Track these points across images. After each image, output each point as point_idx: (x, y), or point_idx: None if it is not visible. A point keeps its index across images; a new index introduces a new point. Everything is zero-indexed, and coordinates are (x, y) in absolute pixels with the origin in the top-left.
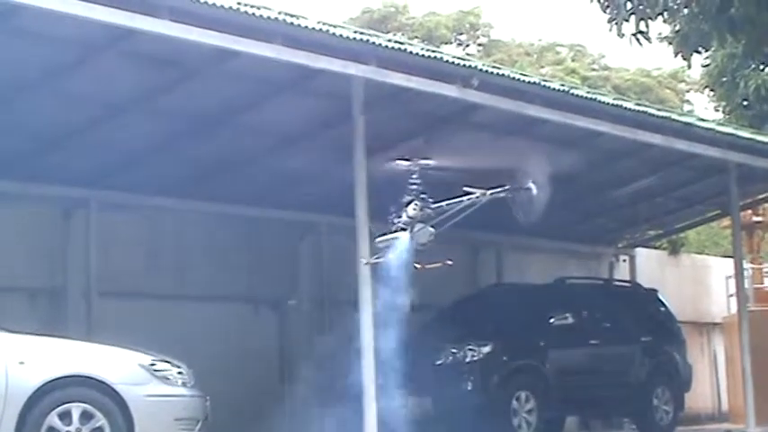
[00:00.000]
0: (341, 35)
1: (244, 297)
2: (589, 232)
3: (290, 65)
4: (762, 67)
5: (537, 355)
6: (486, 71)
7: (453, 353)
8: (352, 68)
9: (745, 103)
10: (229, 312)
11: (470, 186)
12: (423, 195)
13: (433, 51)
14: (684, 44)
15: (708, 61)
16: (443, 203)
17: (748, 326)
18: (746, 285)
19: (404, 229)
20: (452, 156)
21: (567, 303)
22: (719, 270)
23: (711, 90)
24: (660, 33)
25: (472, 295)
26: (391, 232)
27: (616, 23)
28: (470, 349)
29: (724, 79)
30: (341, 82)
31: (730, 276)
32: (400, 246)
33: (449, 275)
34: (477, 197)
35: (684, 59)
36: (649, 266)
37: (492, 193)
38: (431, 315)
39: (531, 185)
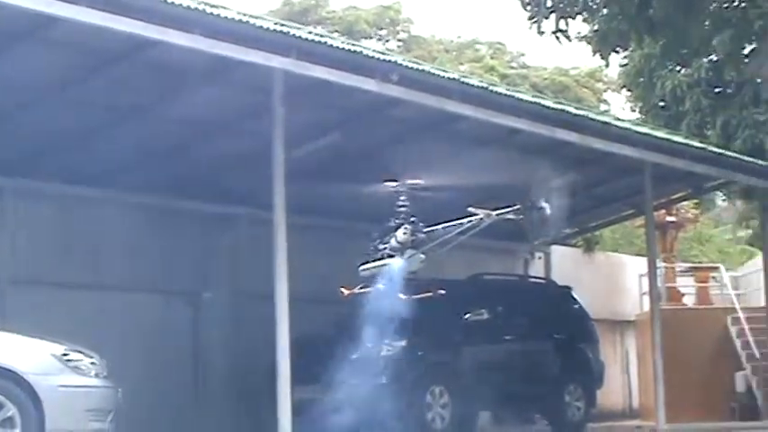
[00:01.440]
0: (261, 27)
1: (158, 288)
2: (505, 228)
3: (210, 56)
4: (678, 68)
5: (452, 351)
6: (406, 66)
7: (369, 347)
8: (273, 61)
9: (661, 103)
10: (144, 303)
11: (473, 206)
12: (413, 219)
13: (354, 45)
14: (603, 43)
15: (625, 61)
16: (439, 227)
17: (660, 324)
18: (659, 284)
19: (391, 256)
20: (445, 173)
21: (482, 299)
22: (633, 268)
23: (628, 90)
24: (579, 32)
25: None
26: (376, 259)
27: (536, 21)
28: (385, 344)
29: (641, 79)
30: (261, 74)
31: (643, 275)
32: (389, 274)
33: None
34: (482, 219)
35: (602, 59)
36: (564, 264)
37: (499, 214)
38: (346, 308)
39: (545, 205)
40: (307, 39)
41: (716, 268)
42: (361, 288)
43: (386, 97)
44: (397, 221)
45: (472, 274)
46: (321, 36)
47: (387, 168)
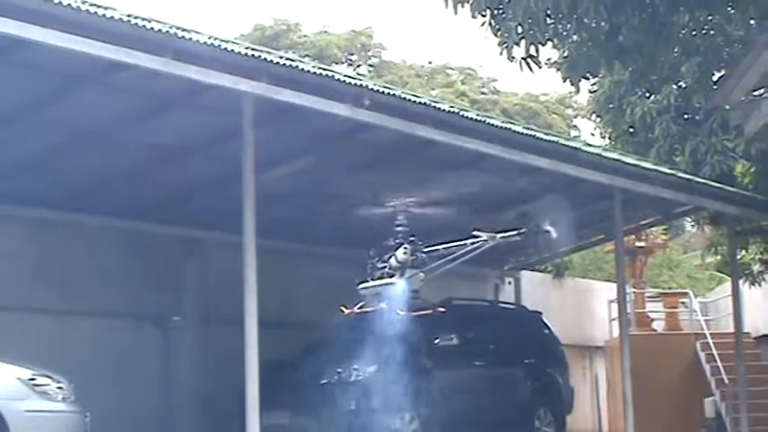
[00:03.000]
0: (232, 50)
1: (127, 313)
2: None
3: (181, 79)
4: (648, 94)
5: (422, 376)
6: (377, 91)
7: (338, 372)
8: (243, 84)
9: (630, 129)
10: (112, 328)
11: (478, 229)
12: (412, 238)
13: (325, 69)
14: (573, 70)
15: (595, 87)
16: (440, 247)
17: (629, 350)
18: (629, 310)
19: (391, 275)
20: (441, 193)
21: (453, 324)
22: (603, 294)
23: (598, 116)
24: (549, 59)
25: (360, 316)
26: (375, 278)
27: (506, 47)
28: (355, 369)
29: (611, 106)
30: (231, 97)
31: (613, 300)
32: (390, 294)
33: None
34: (486, 240)
35: (572, 85)
36: (534, 289)
37: (504, 237)
38: (317, 334)
39: (550, 228)
40: (277, 63)
41: (685, 294)
42: (360, 307)
43: (357, 122)
44: (396, 241)
45: (442, 299)
46: (292, 60)
47: (358, 193)
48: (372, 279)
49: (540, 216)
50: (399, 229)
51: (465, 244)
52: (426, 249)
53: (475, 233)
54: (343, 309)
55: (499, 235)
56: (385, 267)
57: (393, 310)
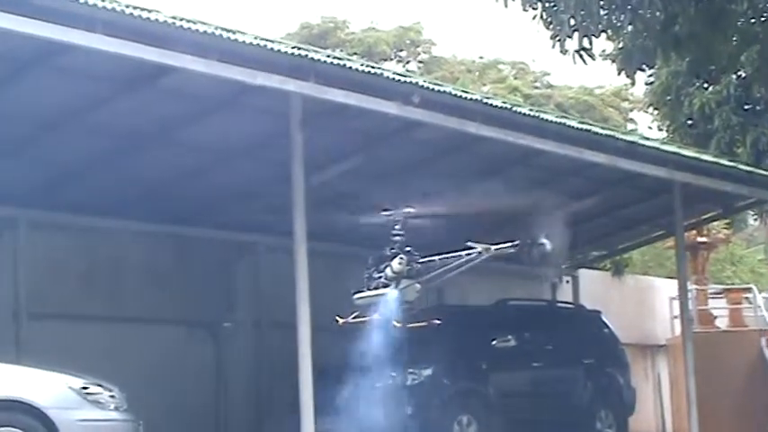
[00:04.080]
0: (279, 50)
1: (178, 319)
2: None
3: (227, 81)
4: (706, 85)
5: (479, 379)
6: (427, 88)
7: (393, 376)
8: (290, 84)
9: (689, 121)
10: (164, 335)
11: (472, 240)
12: (408, 248)
13: (373, 67)
14: (628, 61)
15: (652, 79)
16: (435, 258)
17: (692, 348)
18: (691, 307)
19: (386, 286)
20: (441, 202)
21: (509, 325)
22: (664, 291)
23: (655, 108)
24: (604, 50)
25: (412, 316)
26: (371, 288)
27: (559, 40)
28: (411, 372)
29: (668, 97)
30: (279, 98)
31: (674, 298)
32: (384, 304)
33: None
34: (480, 253)
35: (628, 77)
36: (593, 288)
37: (498, 249)
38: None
39: (545, 241)
40: (325, 61)
41: (748, 289)
42: (355, 317)
43: (407, 120)
44: (392, 251)
45: (498, 300)
46: (340, 58)
47: (410, 192)
48: (369, 289)
49: (535, 228)
50: (396, 238)
51: (459, 255)
52: (422, 260)
53: (469, 244)
54: (338, 319)
55: (493, 247)
56: (381, 277)
57: (387, 321)
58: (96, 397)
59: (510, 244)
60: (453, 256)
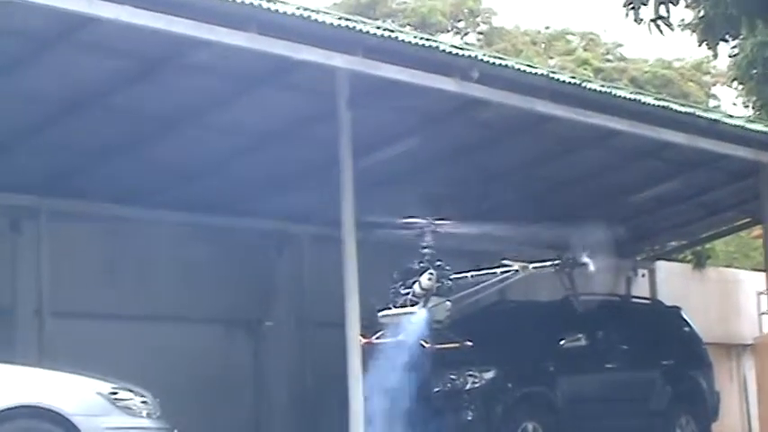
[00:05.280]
0: (324, 22)
1: (215, 318)
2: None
3: (267, 56)
4: None
5: (546, 382)
6: (488, 62)
7: (452, 379)
8: (337, 59)
9: None
10: (199, 335)
11: (507, 258)
12: (438, 263)
13: (428, 40)
14: (710, 32)
15: (736, 51)
16: (468, 274)
17: None
18: None
19: (414, 303)
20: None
21: (579, 323)
22: (750, 285)
23: (740, 83)
24: (683, 20)
25: (472, 314)
26: (397, 306)
27: (633, 8)
28: (471, 375)
29: (754, 71)
30: (324, 75)
31: (762, 292)
32: (412, 323)
33: None
34: (517, 271)
35: (710, 48)
36: (671, 281)
37: (536, 268)
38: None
39: (588, 260)
40: (375, 34)
41: None
42: (378, 336)
43: (466, 97)
44: (421, 265)
45: (566, 295)
46: (391, 31)
47: (472, 177)
48: (394, 306)
49: (576, 245)
50: (426, 251)
51: (495, 273)
52: (453, 276)
53: (505, 262)
54: (361, 338)
55: (531, 265)
56: (408, 294)
57: (413, 342)
58: (126, 403)
59: (550, 263)
60: (487, 274)
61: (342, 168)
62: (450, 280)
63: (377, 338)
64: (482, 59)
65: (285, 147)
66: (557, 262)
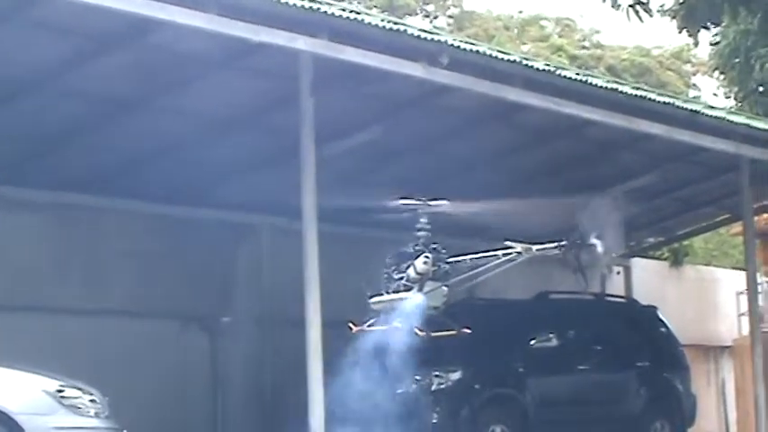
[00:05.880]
0: (286, 3)
1: (169, 313)
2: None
3: (226, 38)
4: None
5: (515, 383)
6: (458, 47)
7: (417, 380)
8: (300, 42)
9: (760, 88)
10: (151, 331)
11: (511, 239)
12: (434, 246)
13: (395, 23)
14: (690, 18)
15: (718, 39)
16: (467, 257)
17: (762, 350)
18: (761, 303)
19: (409, 288)
20: (479, 200)
21: (550, 322)
22: (729, 285)
23: (722, 73)
24: (662, 5)
25: (438, 312)
26: (391, 291)
27: None
28: (437, 376)
29: (736, 60)
30: (286, 58)
31: (742, 292)
32: (406, 309)
33: None
34: (519, 253)
35: (690, 36)
36: (647, 279)
37: (540, 250)
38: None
39: (596, 242)
40: (340, 16)
41: None
42: (370, 324)
43: (434, 84)
44: (416, 248)
45: (538, 293)
46: (357, 13)
47: (436, 168)
48: (387, 292)
49: (584, 226)
50: (421, 233)
51: (496, 255)
52: (451, 259)
53: (507, 243)
54: (351, 327)
55: (535, 247)
56: (402, 279)
57: (409, 330)
58: (74, 401)
59: (555, 244)
60: (488, 256)
61: (303, 156)
62: (448, 263)
63: (369, 326)
64: (452, 44)
65: (244, 133)
66: (563, 243)
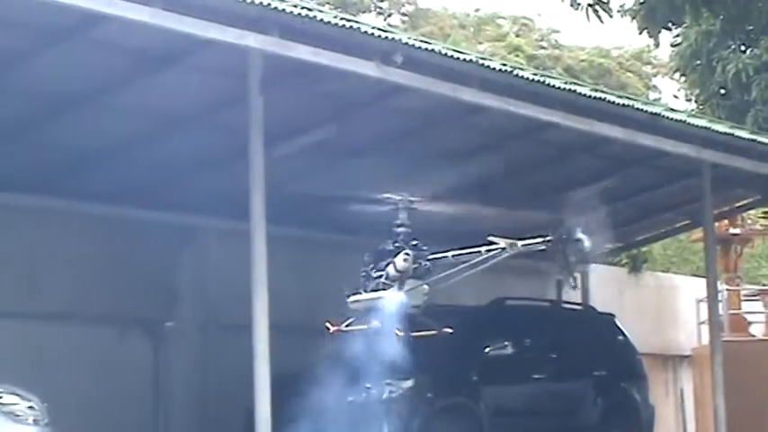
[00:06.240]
0: None
1: (110, 317)
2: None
3: (173, 33)
4: (743, 47)
5: (469, 393)
6: (412, 46)
7: (368, 388)
8: (249, 39)
9: (722, 91)
10: (92, 336)
11: (494, 235)
12: (414, 243)
13: (348, 20)
14: (651, 18)
15: (679, 40)
16: (448, 254)
17: (722, 359)
18: (721, 311)
19: (388, 287)
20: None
21: (506, 330)
22: (689, 292)
23: (683, 75)
24: (623, 5)
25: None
26: (370, 290)
27: None
28: (388, 384)
29: (698, 62)
30: (235, 55)
31: (702, 300)
32: (385, 309)
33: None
34: (503, 249)
35: (651, 37)
36: (605, 286)
37: (525, 245)
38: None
39: (582, 236)
40: (291, 12)
41: None
42: (348, 324)
43: (388, 84)
44: (395, 245)
45: (493, 300)
46: (309, 9)
47: (389, 170)
48: (365, 291)
49: (569, 221)
50: (400, 230)
51: (479, 251)
52: (431, 256)
53: (491, 239)
54: (328, 326)
55: (520, 243)
56: (381, 277)
57: (389, 330)
58: (12, 408)
59: (541, 239)
60: (471, 253)
61: (252, 157)
62: (428, 261)
63: (346, 326)
64: (406, 43)
65: (191, 132)
66: (549, 238)
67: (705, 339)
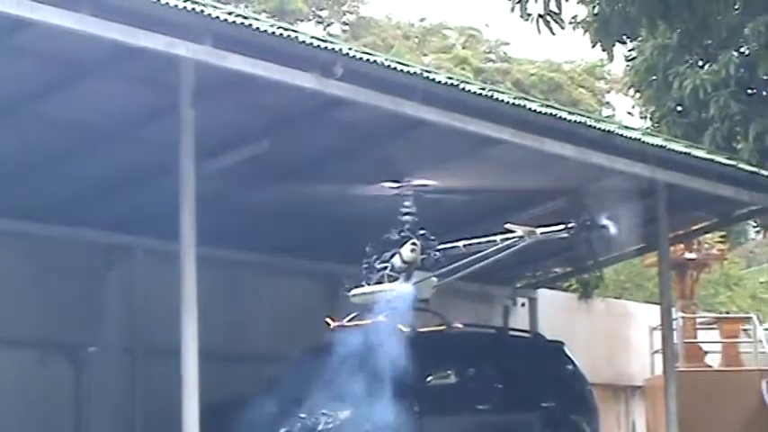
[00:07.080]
0: (167, 4)
1: (28, 341)
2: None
3: (99, 40)
4: (701, 63)
5: (409, 424)
6: (353, 57)
7: (302, 419)
8: (181, 48)
9: (679, 108)
10: (11, 360)
11: (512, 222)
12: (422, 232)
13: (286, 30)
14: (605, 31)
15: (634, 54)
16: (460, 244)
17: (677, 391)
18: (675, 340)
19: (394, 279)
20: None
21: (448, 358)
22: (642, 319)
23: (637, 91)
24: (575, 17)
25: (326, 344)
26: (373, 282)
27: (520, 2)
28: (323, 414)
29: (653, 77)
30: (165, 65)
31: (655, 328)
32: (392, 303)
33: (303, 315)
34: (522, 237)
35: (604, 51)
36: (554, 313)
37: (545, 233)
38: (275, 368)
39: (608, 223)
40: (225, 20)
41: (747, 319)
42: (351, 319)
43: (327, 96)
44: (402, 234)
45: (435, 326)
46: (244, 18)
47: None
48: (369, 284)
49: (593, 207)
50: (406, 218)
51: (494, 241)
52: (441, 247)
53: (508, 226)
54: (329, 321)
55: (539, 230)
56: (386, 269)
57: (395, 325)
58: None
59: (562, 227)
60: (485, 242)
61: (182, 172)
62: (438, 251)
63: (349, 321)
64: (346, 54)
65: (117, 146)
66: (571, 225)
67: (659, 369)
